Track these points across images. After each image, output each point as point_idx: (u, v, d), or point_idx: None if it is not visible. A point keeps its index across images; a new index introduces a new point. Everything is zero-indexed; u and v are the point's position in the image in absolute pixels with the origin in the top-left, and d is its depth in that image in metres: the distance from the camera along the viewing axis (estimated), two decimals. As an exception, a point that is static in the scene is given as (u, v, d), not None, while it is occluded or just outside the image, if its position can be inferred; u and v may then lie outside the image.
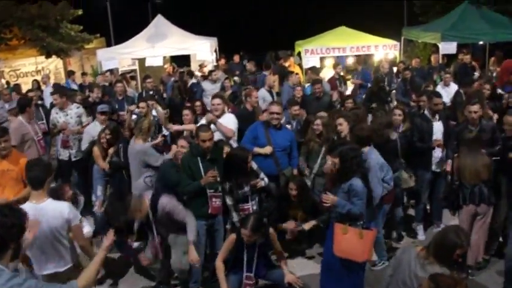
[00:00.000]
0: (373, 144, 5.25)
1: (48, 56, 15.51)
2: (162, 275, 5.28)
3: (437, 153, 6.13)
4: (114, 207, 4.37)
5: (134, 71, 14.77)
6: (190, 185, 5.02)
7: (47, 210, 3.80)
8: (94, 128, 6.80)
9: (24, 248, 3.36)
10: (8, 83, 14.34)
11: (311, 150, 6.23)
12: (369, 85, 10.40)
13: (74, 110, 7.48)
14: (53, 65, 16.21)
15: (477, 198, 5.13)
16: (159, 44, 12.57)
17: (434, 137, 6.07)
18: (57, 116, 7.41)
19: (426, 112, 6.33)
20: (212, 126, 6.14)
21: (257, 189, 5.39)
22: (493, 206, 5.26)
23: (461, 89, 8.34)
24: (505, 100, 7.35)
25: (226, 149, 5.64)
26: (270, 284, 4.98)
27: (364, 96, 9.98)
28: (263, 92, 9.03)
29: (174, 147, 5.95)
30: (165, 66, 13.86)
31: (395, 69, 11.53)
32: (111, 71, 12.11)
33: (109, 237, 3.46)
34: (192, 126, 6.72)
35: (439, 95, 6.46)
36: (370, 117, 7.25)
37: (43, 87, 12.21)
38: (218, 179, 5.00)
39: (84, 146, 6.84)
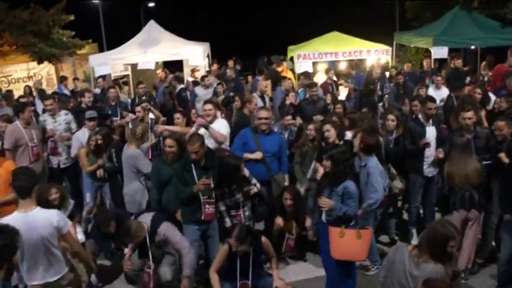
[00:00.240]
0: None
1: (40, 61, 15.40)
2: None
3: (429, 157, 6.08)
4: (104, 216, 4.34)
5: (127, 76, 14.71)
6: (183, 191, 5.00)
7: (35, 220, 3.73)
8: (83, 135, 6.77)
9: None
10: (-1, 89, 14.24)
11: (304, 155, 6.20)
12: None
13: (63, 117, 7.39)
14: (45, 71, 16.09)
15: (467, 203, 5.09)
16: (152, 49, 12.51)
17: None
18: (45, 123, 7.31)
19: (420, 116, 6.33)
20: (204, 131, 6.16)
21: (250, 195, 5.38)
22: (484, 211, 5.24)
23: (452, 93, 8.37)
24: (496, 105, 7.36)
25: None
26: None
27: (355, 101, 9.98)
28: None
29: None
30: (158, 71, 13.83)
31: (387, 74, 11.55)
32: (103, 77, 12.05)
33: None
34: (178, 128, 6.70)
35: (433, 100, 6.45)
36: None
37: (35, 93, 12.12)
38: (212, 185, 4.97)
39: (74, 152, 6.80)
